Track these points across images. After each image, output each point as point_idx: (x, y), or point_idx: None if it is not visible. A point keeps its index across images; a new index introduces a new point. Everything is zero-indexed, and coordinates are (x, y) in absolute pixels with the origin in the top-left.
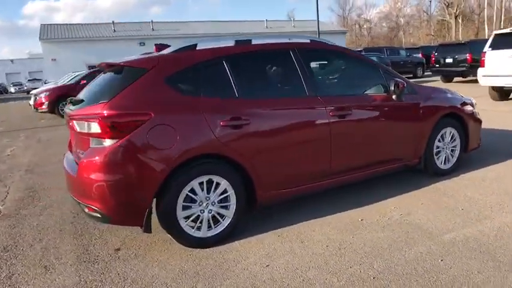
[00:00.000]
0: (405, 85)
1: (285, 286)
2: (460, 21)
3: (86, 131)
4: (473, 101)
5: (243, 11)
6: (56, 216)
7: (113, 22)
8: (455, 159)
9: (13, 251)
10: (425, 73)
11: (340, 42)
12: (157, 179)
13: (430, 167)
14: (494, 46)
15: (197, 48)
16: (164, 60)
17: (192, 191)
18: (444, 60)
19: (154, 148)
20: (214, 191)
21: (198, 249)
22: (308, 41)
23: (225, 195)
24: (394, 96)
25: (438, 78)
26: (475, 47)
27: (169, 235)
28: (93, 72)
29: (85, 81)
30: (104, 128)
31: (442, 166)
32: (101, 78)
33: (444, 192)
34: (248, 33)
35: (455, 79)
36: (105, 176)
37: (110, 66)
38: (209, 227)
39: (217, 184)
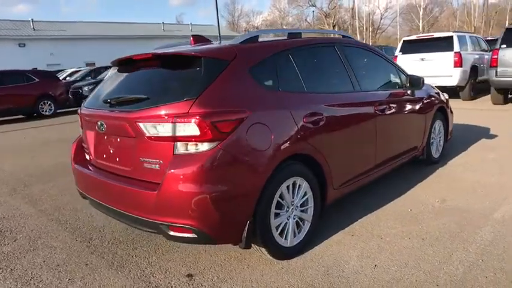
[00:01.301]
0: (423, 80)
1: (417, 284)
2: (336, 30)
3: (169, 134)
4: (447, 96)
5: (121, 14)
6: (60, 248)
7: None
8: (441, 148)
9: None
10: None
11: None
12: (259, 185)
13: (428, 157)
14: (404, 51)
15: (259, 40)
16: (243, 51)
17: (281, 196)
18: None
19: (254, 150)
20: (297, 195)
21: (287, 261)
22: (341, 36)
23: (305, 198)
24: (409, 91)
25: None
26: None
27: (251, 249)
28: None
29: None
30: (204, 130)
31: (435, 155)
32: (147, 71)
33: (451, 178)
34: (145, 35)
35: None
36: (206, 187)
37: (161, 57)
38: (294, 234)
39: (299, 186)
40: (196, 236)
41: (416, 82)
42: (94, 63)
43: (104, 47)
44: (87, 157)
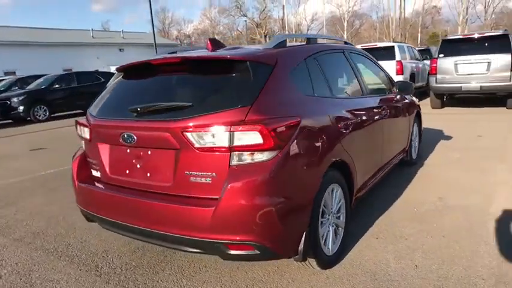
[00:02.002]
0: (412, 86)
1: (465, 280)
2: (267, 40)
3: (224, 144)
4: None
5: (39, 20)
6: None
7: None
8: (417, 150)
9: None
10: None
11: None
12: (313, 193)
13: (410, 158)
14: None
15: (287, 44)
16: (282, 55)
17: (324, 204)
18: None
19: (308, 157)
20: (334, 201)
21: (329, 270)
22: (343, 43)
23: (339, 204)
24: (398, 96)
25: None
26: None
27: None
28: None
29: None
30: (266, 138)
31: (413, 156)
32: (175, 77)
33: (434, 177)
34: (73, 42)
35: None
36: (271, 199)
37: (195, 62)
38: (333, 242)
39: (335, 193)
40: (258, 252)
41: (406, 87)
42: (15, 72)
43: (27, 54)
44: (96, 174)
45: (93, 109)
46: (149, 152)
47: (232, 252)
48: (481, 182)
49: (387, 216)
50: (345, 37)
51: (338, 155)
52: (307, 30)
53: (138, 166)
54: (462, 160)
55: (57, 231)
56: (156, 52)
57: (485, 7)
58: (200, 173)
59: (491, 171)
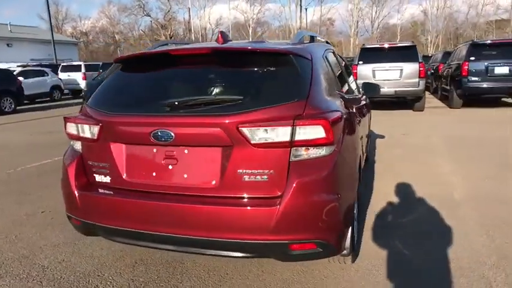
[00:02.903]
0: (379, 87)
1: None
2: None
3: (285, 139)
4: None
5: None
6: None
7: None
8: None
9: None
10: None
11: (72, 54)
12: (356, 187)
13: (367, 155)
14: None
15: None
16: (312, 51)
17: None
18: None
19: (351, 152)
20: None
21: (355, 263)
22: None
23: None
24: (364, 97)
25: None
26: None
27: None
28: None
29: None
30: (328, 132)
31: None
32: (204, 68)
33: (395, 172)
34: None
35: None
36: (334, 195)
37: (232, 53)
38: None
39: None
40: (321, 249)
41: (373, 88)
42: None
43: None
44: (103, 179)
45: (100, 104)
46: (186, 151)
47: (294, 252)
48: (433, 173)
49: (370, 210)
50: None
51: (361, 148)
52: (212, 34)
53: (170, 167)
54: (405, 156)
55: (17, 252)
56: (55, 49)
57: (371, 22)
58: (256, 171)
59: (435, 164)
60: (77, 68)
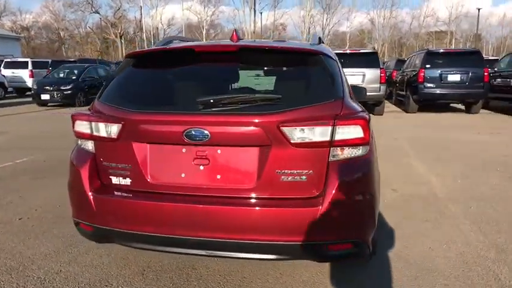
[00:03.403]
0: (365, 89)
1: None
2: (123, 41)
3: (325, 138)
4: None
5: None
6: None
7: None
8: None
9: None
10: None
11: (14, 50)
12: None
13: None
14: None
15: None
16: (330, 52)
17: None
18: None
19: (376, 152)
20: None
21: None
22: None
23: None
24: None
25: None
26: None
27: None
28: None
29: None
30: (366, 132)
31: None
32: (245, 68)
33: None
34: None
35: None
36: (370, 194)
37: (260, 51)
38: None
39: None
40: (356, 249)
41: (360, 91)
42: None
43: None
44: (122, 181)
45: (118, 101)
46: (219, 151)
47: (331, 252)
48: (414, 174)
49: None
50: None
51: None
52: (164, 34)
53: (202, 168)
54: (383, 156)
55: (4, 264)
56: None
57: (322, 29)
58: (296, 171)
59: (413, 165)
60: (23, 65)
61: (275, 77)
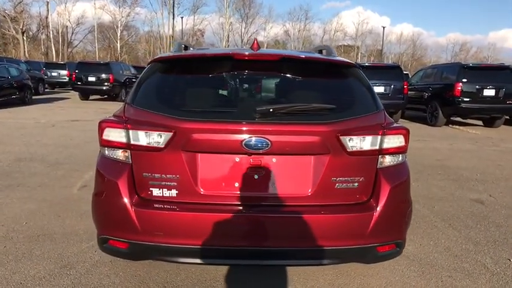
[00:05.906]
0: None
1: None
2: (25, 38)
3: (375, 147)
4: None
5: None
6: None
7: None
8: None
9: None
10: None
11: None
12: None
13: None
14: None
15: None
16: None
17: None
18: (86, 78)
19: None
20: None
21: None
22: None
23: None
24: None
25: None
26: (115, 67)
27: None
28: None
29: None
30: (407, 141)
31: None
32: (278, 76)
33: None
34: None
35: (95, 97)
36: (410, 198)
37: (303, 62)
38: None
39: None
40: (398, 249)
41: None
42: None
43: None
44: (166, 193)
45: (160, 107)
46: (274, 160)
47: (379, 254)
48: None
49: None
50: (118, 46)
51: None
52: (72, 33)
53: (256, 177)
54: None
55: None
56: None
57: (241, 37)
58: (350, 178)
59: None
60: None
61: (324, 88)
